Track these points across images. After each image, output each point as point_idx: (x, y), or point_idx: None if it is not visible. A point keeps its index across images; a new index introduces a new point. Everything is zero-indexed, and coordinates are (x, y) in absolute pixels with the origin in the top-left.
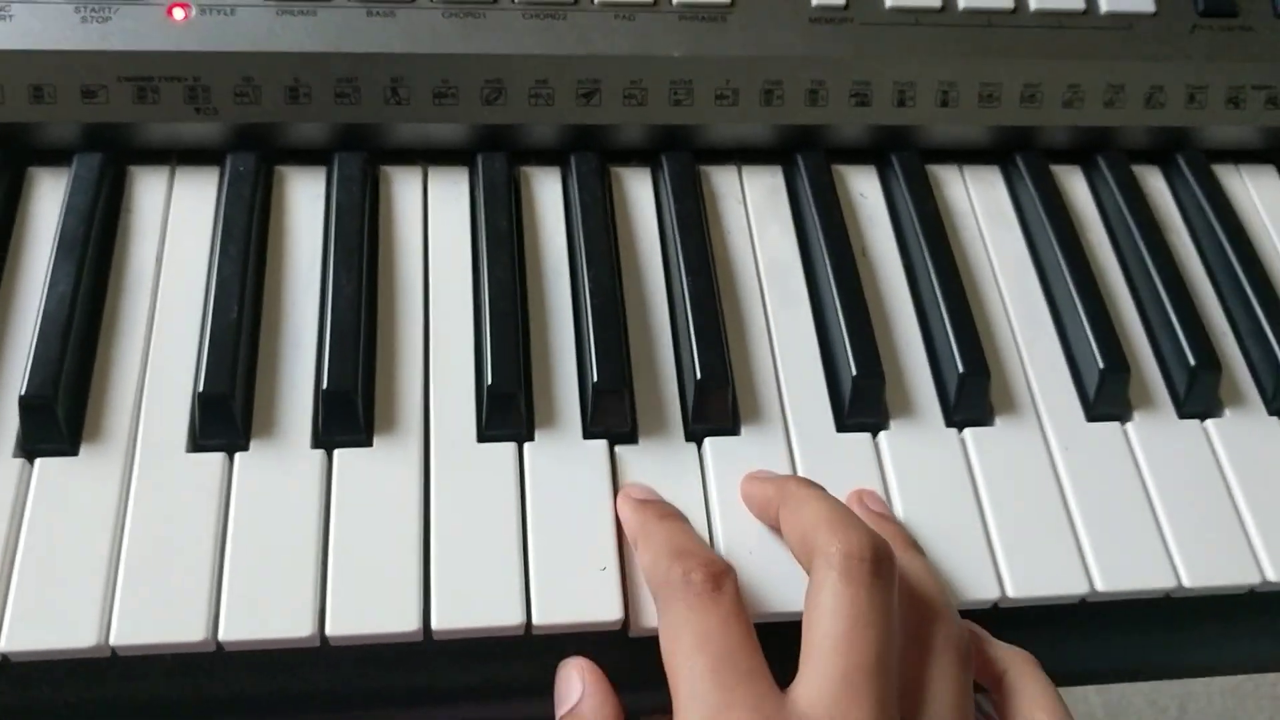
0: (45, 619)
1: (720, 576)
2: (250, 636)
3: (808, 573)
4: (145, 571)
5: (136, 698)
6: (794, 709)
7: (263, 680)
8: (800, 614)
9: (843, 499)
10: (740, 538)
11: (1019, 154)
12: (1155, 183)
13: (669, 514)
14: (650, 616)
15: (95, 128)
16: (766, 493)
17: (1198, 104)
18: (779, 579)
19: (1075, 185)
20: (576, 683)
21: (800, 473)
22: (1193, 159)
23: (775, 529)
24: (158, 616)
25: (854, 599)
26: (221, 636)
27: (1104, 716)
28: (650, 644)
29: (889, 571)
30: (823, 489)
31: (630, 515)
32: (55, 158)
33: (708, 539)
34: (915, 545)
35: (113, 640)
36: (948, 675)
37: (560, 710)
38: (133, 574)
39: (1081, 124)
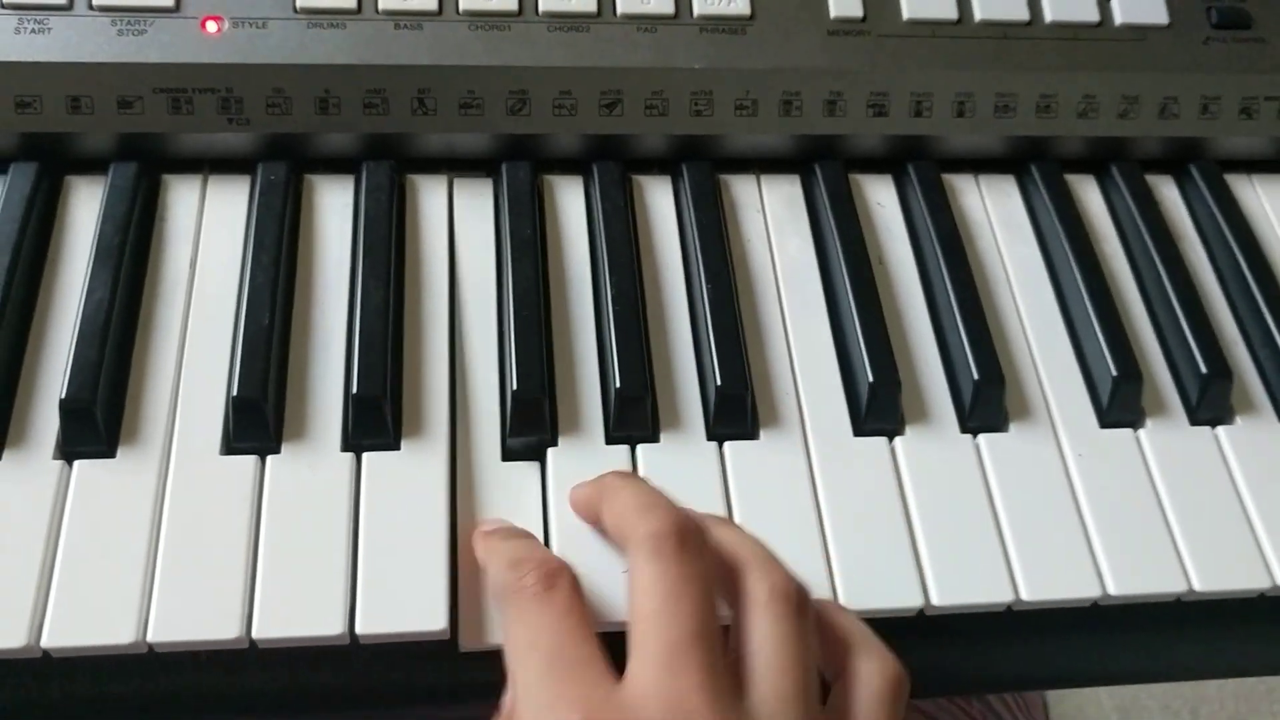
0: (85, 616)
1: (553, 576)
2: (282, 634)
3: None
4: (181, 571)
5: (172, 692)
6: (624, 692)
7: (294, 676)
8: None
9: (863, 507)
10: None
11: (1034, 164)
12: (1169, 192)
13: (513, 534)
14: None
15: (131, 138)
16: (588, 494)
17: (1211, 114)
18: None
19: (1089, 195)
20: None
21: (817, 477)
22: (1206, 169)
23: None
24: (193, 614)
25: (664, 574)
26: (255, 634)
27: (1117, 719)
28: None
29: (695, 542)
30: (636, 478)
31: (478, 543)
32: (92, 167)
33: None
34: (729, 523)
35: (150, 637)
36: (772, 626)
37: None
38: (169, 573)
39: (1096, 134)
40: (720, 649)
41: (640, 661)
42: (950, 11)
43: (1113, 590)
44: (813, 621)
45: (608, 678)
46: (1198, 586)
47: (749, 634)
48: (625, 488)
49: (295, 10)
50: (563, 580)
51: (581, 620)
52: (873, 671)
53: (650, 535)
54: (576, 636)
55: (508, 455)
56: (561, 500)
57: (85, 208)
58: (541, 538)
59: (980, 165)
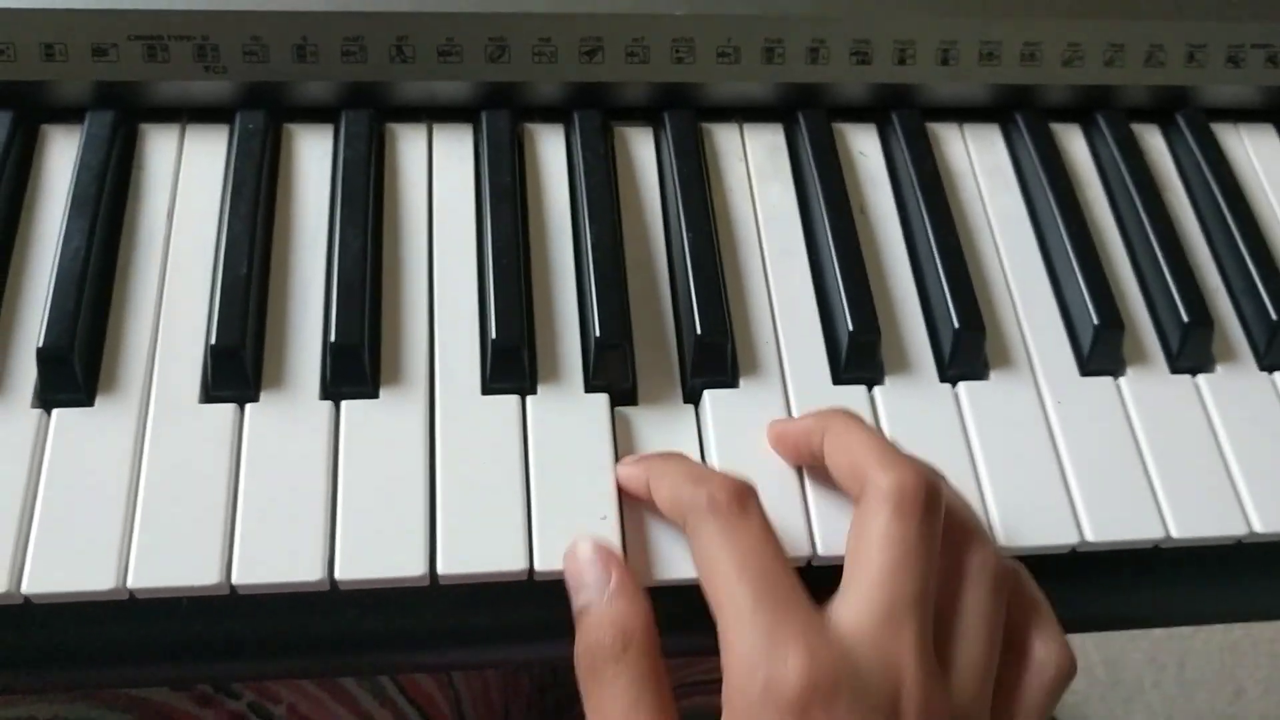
0: (65, 563)
1: (744, 495)
2: (262, 580)
3: (855, 499)
4: (160, 518)
5: (153, 639)
6: (839, 634)
7: (274, 623)
8: (799, 560)
9: None
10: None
11: (1019, 113)
12: (1154, 141)
13: (673, 454)
14: (654, 568)
15: (107, 86)
16: (806, 425)
17: (1197, 63)
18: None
19: (1075, 144)
20: (600, 570)
21: None
22: (1192, 118)
23: (810, 463)
24: (173, 561)
25: (904, 534)
26: (235, 580)
27: (1104, 673)
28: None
29: (938, 507)
30: (863, 422)
31: (632, 470)
32: (68, 116)
33: None
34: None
35: (129, 583)
36: (981, 603)
37: (582, 595)
38: (149, 520)
39: (1081, 83)
40: (932, 612)
41: (859, 609)
42: None
43: (1090, 536)
44: (1005, 602)
45: (817, 611)
46: (1175, 533)
47: (963, 599)
48: (862, 430)
49: None
50: (753, 500)
51: (779, 544)
52: (1048, 661)
53: (898, 488)
54: (782, 562)
55: None
56: (540, 449)
57: (62, 157)
58: (523, 486)
59: (965, 114)
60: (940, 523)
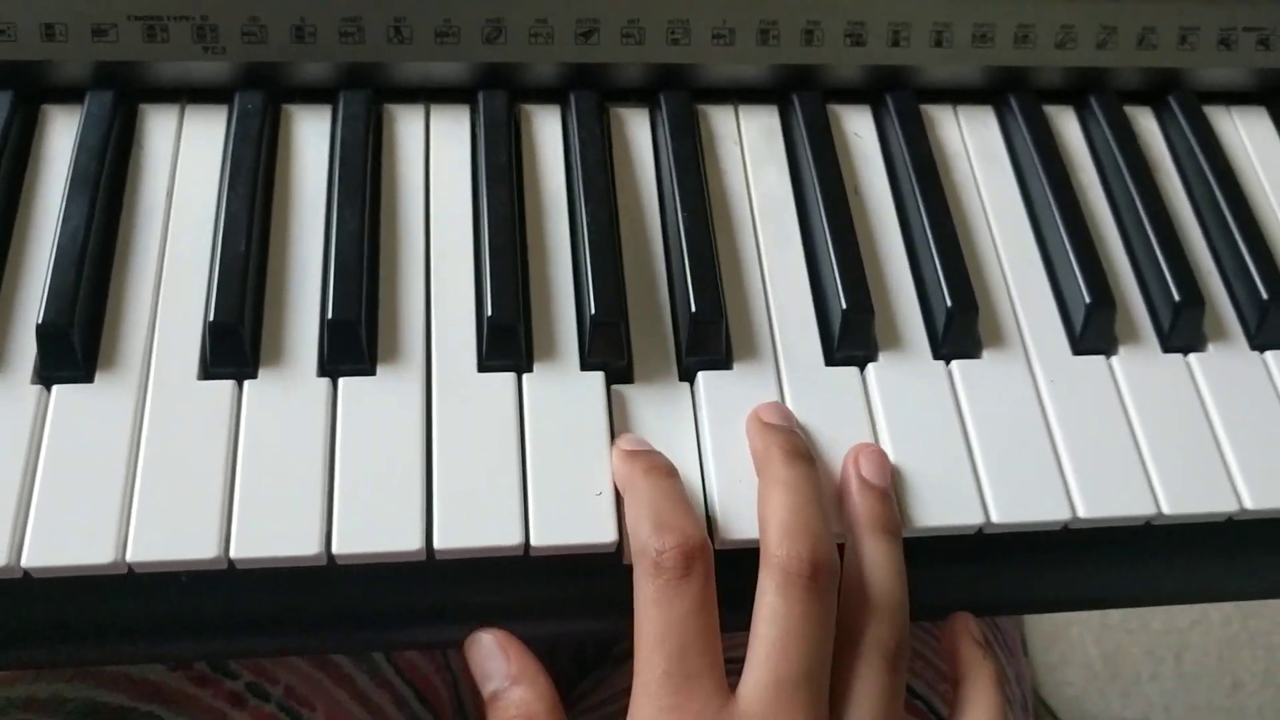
0: (65, 537)
1: (691, 558)
2: (259, 554)
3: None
4: (159, 493)
5: (151, 615)
6: (735, 711)
7: (271, 598)
8: None
9: (833, 434)
10: (732, 469)
11: (1012, 95)
12: (1147, 123)
13: (656, 467)
14: None
15: (106, 66)
16: (755, 447)
17: (1189, 45)
18: None
19: (1068, 126)
20: (499, 657)
21: (790, 405)
22: (1184, 100)
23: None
24: (172, 535)
25: (788, 612)
26: (233, 554)
27: (1101, 666)
28: None
29: (826, 584)
30: (803, 466)
31: (619, 466)
32: (68, 95)
33: (699, 471)
34: (894, 529)
35: (129, 557)
36: (874, 678)
37: (488, 685)
38: (147, 495)
39: (1074, 65)
40: (827, 683)
41: (751, 688)
42: None
43: (1082, 513)
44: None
45: (723, 692)
46: (1166, 510)
47: (855, 679)
48: (780, 487)
49: None
50: (699, 565)
51: (709, 618)
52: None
53: (784, 568)
54: (701, 641)
55: None
56: (535, 426)
57: (61, 137)
58: (519, 463)
59: (959, 96)
60: (829, 600)
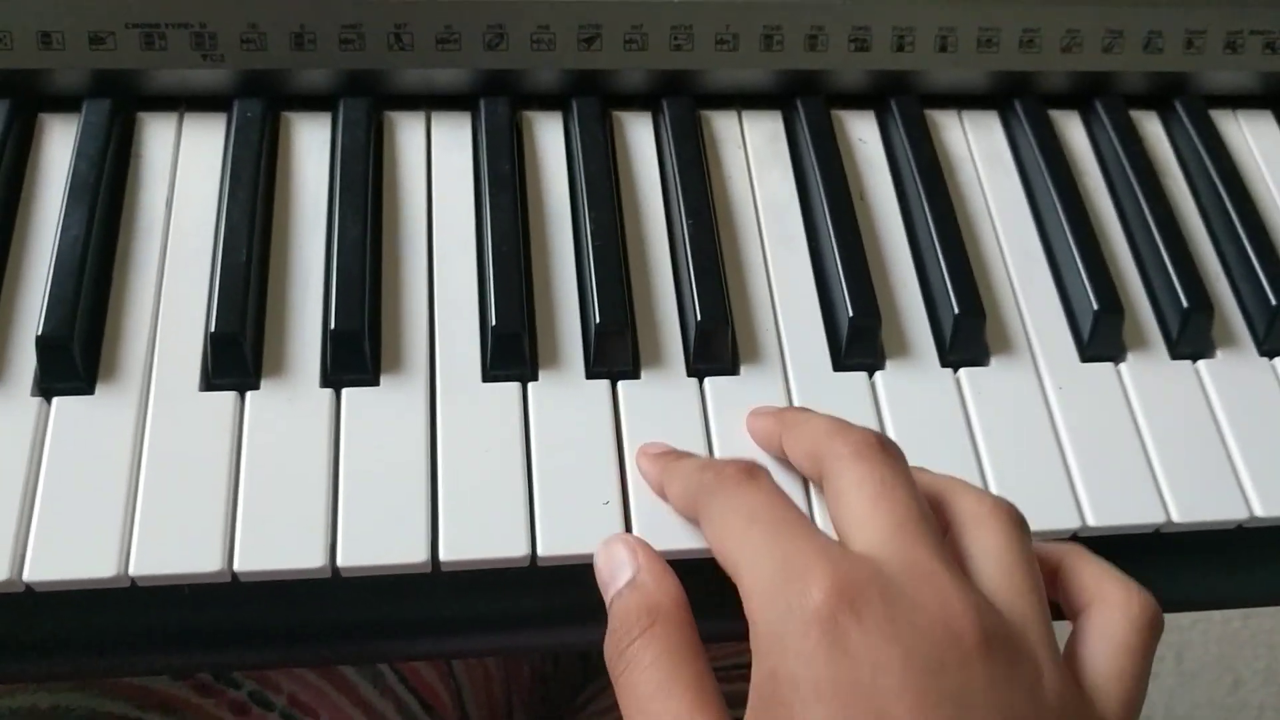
0: (66, 551)
1: (753, 468)
2: (264, 567)
3: (820, 484)
4: (162, 506)
5: (154, 627)
6: (860, 552)
7: (276, 611)
8: None
9: None
10: None
11: (1017, 99)
12: (1153, 128)
13: (687, 453)
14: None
15: (104, 74)
16: (768, 426)
17: (1196, 49)
18: None
19: (1073, 130)
20: (627, 558)
21: None
22: (1190, 104)
23: (780, 459)
24: (175, 548)
25: (873, 470)
26: (236, 567)
27: None
28: None
29: (898, 452)
30: (817, 412)
31: (651, 465)
32: (66, 104)
33: None
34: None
35: (131, 570)
36: (1003, 536)
37: (611, 588)
38: (150, 508)
39: (1080, 69)
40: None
41: (866, 538)
42: None
43: (1092, 521)
44: (1031, 542)
45: (831, 537)
46: (1176, 518)
47: (972, 541)
48: (813, 418)
49: None
50: (763, 472)
51: (792, 502)
52: (1130, 600)
53: (854, 442)
54: (795, 511)
55: None
56: (541, 435)
57: (60, 146)
58: (525, 473)
59: (963, 101)
60: (905, 465)
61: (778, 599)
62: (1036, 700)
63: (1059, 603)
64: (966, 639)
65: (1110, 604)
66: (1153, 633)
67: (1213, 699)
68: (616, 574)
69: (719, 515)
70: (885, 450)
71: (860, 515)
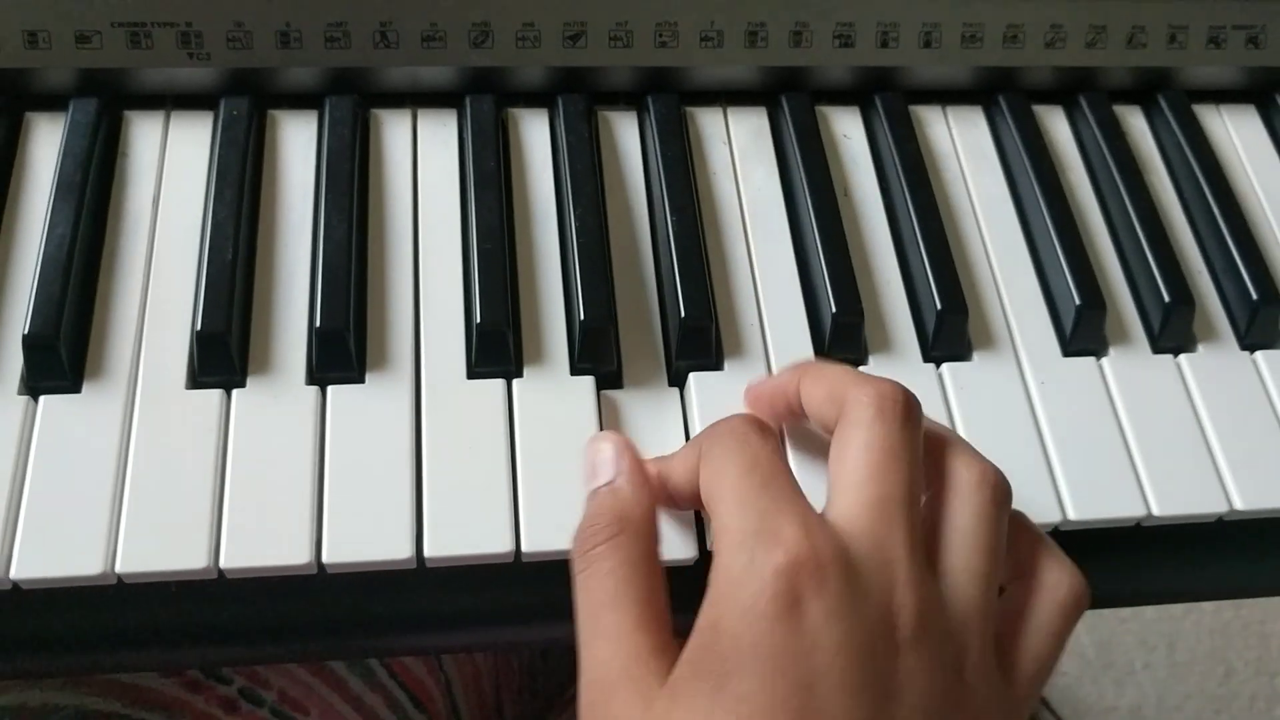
0: (53, 548)
1: (761, 423)
2: (250, 564)
3: (829, 429)
4: (148, 503)
5: (142, 624)
6: (833, 521)
7: (262, 608)
8: None
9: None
10: None
11: (1001, 95)
12: (1136, 123)
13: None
14: None
15: (90, 73)
16: (782, 378)
17: (1179, 44)
18: None
19: (1057, 125)
20: (611, 459)
21: None
22: (1174, 99)
23: (787, 420)
24: (161, 546)
25: (886, 434)
26: (222, 564)
27: (1094, 655)
28: None
29: (918, 416)
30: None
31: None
32: (52, 103)
33: None
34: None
35: (118, 568)
36: (982, 509)
37: (591, 483)
38: (136, 505)
39: (1063, 64)
40: (921, 520)
41: (848, 508)
42: None
43: (1073, 515)
44: (1008, 520)
45: (813, 508)
46: (1156, 511)
47: (951, 510)
48: (837, 366)
49: None
50: (772, 432)
51: (790, 468)
52: (1060, 582)
53: (878, 395)
54: (791, 475)
55: None
56: (526, 431)
57: (45, 144)
58: (509, 469)
59: (948, 96)
60: (920, 432)
61: (745, 547)
62: (961, 684)
63: None
64: (902, 630)
65: (1042, 585)
66: (1077, 614)
67: (1205, 689)
68: (599, 471)
69: (717, 459)
70: (905, 413)
71: (854, 480)
